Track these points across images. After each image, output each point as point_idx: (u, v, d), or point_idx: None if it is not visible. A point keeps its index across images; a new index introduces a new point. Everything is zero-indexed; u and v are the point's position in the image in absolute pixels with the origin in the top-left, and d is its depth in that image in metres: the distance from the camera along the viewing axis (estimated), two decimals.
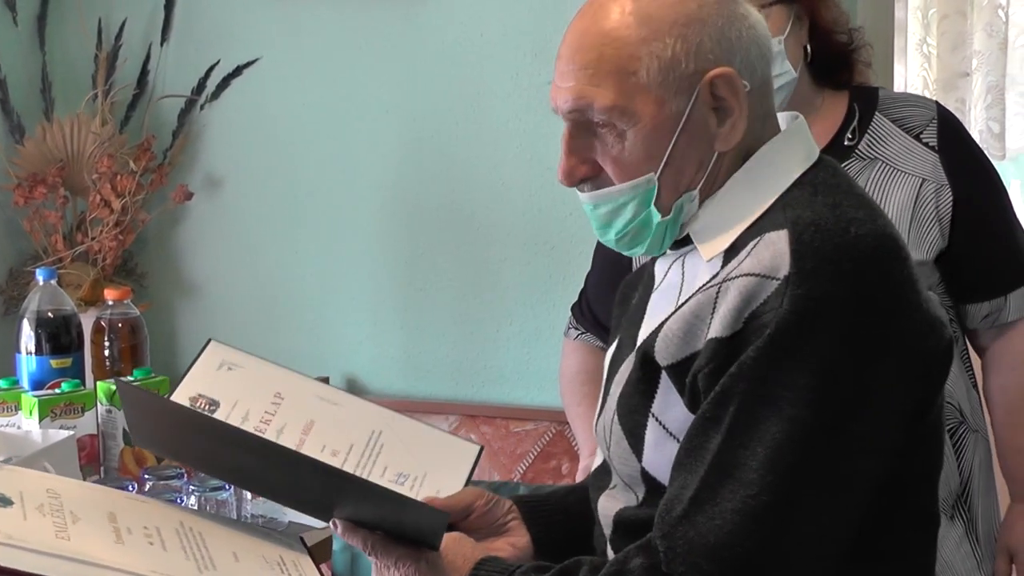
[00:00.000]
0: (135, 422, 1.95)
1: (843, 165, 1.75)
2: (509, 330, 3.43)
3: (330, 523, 1.69)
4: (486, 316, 3.44)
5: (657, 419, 1.60)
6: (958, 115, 2.68)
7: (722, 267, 1.59)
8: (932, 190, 2.29)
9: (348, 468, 1.88)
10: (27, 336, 2.62)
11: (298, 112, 3.55)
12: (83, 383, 2.59)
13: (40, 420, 2.43)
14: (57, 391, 2.50)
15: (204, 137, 3.64)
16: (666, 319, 1.60)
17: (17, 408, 2.50)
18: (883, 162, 2.31)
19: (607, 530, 1.72)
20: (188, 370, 2.06)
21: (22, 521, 1.60)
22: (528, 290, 3.39)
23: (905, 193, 2.29)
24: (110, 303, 2.67)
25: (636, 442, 1.62)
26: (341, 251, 3.56)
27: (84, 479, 2.31)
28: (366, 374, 3.56)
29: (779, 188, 1.61)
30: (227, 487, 2.22)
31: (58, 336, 2.63)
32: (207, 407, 1.96)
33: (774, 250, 1.52)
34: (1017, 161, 4.82)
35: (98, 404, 2.50)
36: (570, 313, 2.62)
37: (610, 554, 1.69)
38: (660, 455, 1.60)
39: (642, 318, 1.71)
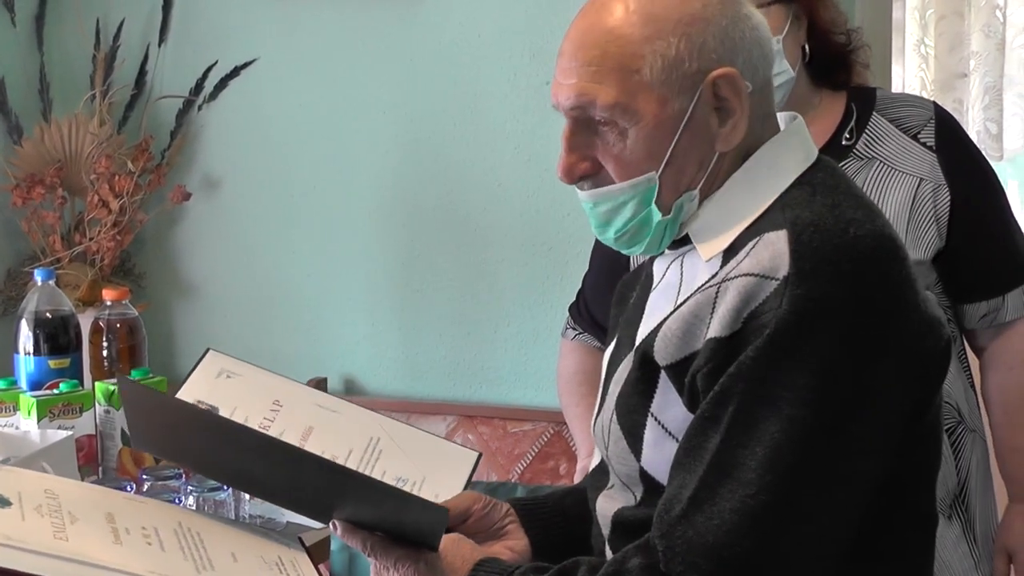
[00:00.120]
0: (135, 420, 1.95)
1: (841, 165, 1.75)
2: (507, 331, 3.43)
3: (329, 524, 1.69)
4: (484, 317, 3.44)
5: (656, 419, 1.60)
6: (956, 116, 2.67)
7: (721, 267, 1.59)
8: (930, 190, 2.30)
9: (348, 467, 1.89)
10: (25, 336, 2.61)
11: (295, 113, 3.56)
12: (81, 383, 2.58)
13: (38, 420, 2.42)
14: (55, 391, 2.50)
15: (202, 138, 3.65)
16: (665, 319, 1.60)
17: (15, 408, 2.50)
18: (881, 162, 2.31)
19: (605, 530, 1.72)
20: (186, 378, 2.06)
21: (20, 522, 1.60)
22: (526, 291, 3.40)
23: (903, 193, 2.29)
24: (108, 303, 2.67)
25: (635, 442, 1.63)
26: (338, 251, 3.56)
27: (82, 479, 2.31)
28: (364, 375, 3.57)
29: (778, 188, 1.62)
30: (225, 487, 2.22)
31: (56, 336, 2.62)
32: None
33: (773, 250, 1.52)
34: (1015, 162, 4.82)
35: (96, 404, 2.50)
36: (567, 314, 2.62)
37: (608, 554, 1.69)
38: (659, 455, 1.60)
39: (640, 318, 1.71)
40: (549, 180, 3.32)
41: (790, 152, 1.66)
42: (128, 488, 2.25)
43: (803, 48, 2.31)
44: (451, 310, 3.47)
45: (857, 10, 3.28)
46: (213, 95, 3.59)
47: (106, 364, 2.64)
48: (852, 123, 2.34)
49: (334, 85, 3.51)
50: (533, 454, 3.29)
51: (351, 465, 1.96)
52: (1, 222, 3.59)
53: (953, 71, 4.62)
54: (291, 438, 1.97)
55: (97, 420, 2.50)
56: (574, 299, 2.61)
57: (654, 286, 1.73)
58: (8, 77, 3.55)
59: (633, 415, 1.63)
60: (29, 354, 2.61)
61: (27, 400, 2.46)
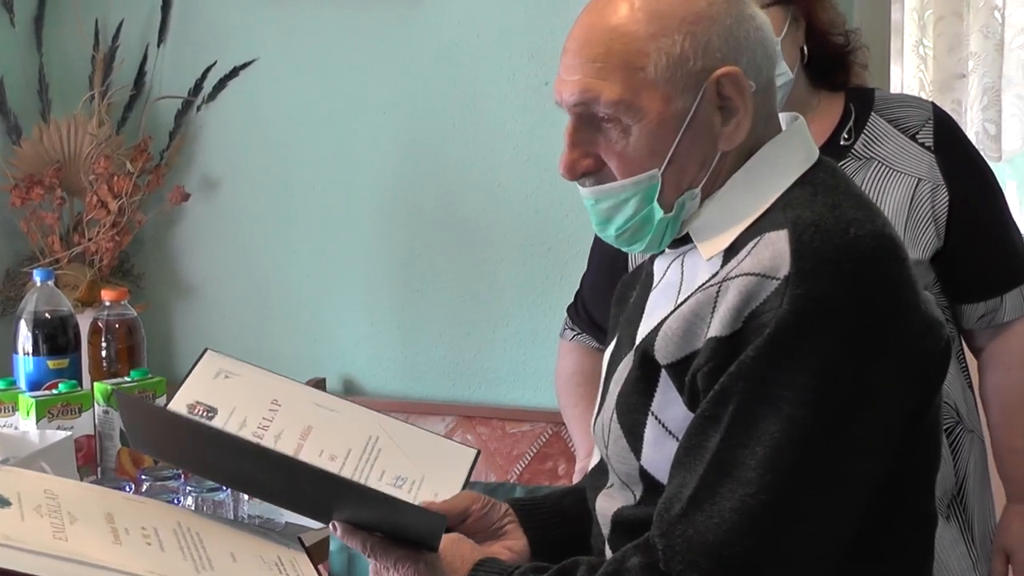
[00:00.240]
0: (133, 430, 1.96)
1: (839, 165, 1.75)
2: (506, 331, 3.43)
3: (329, 525, 1.69)
4: (483, 317, 3.44)
5: (656, 418, 1.60)
6: (955, 117, 2.68)
7: (722, 266, 1.59)
8: (928, 190, 2.30)
9: (346, 472, 1.89)
10: (24, 337, 2.61)
11: (294, 113, 3.56)
12: (80, 384, 2.58)
13: (37, 421, 2.43)
14: (54, 392, 2.50)
15: (200, 138, 3.65)
16: (665, 317, 1.61)
17: (14, 409, 2.50)
18: (879, 162, 2.31)
19: (605, 529, 1.72)
20: (185, 379, 2.06)
21: (20, 522, 1.60)
22: (525, 291, 3.40)
23: (901, 193, 2.29)
24: (107, 304, 2.67)
25: (635, 440, 1.63)
26: (337, 252, 3.56)
27: (81, 480, 2.31)
28: (362, 375, 3.57)
29: (779, 188, 1.62)
30: (224, 488, 2.22)
31: (55, 337, 2.62)
32: (204, 414, 1.97)
33: (774, 250, 1.52)
34: (1013, 162, 4.82)
35: (95, 405, 2.50)
36: (566, 314, 2.62)
37: (608, 553, 1.69)
38: (659, 454, 1.60)
39: (640, 317, 1.72)
40: (548, 180, 3.32)
41: (792, 152, 1.66)
42: (127, 488, 2.25)
43: (801, 49, 2.31)
44: (450, 310, 3.47)
45: (855, 11, 3.28)
46: (212, 96, 3.59)
47: (105, 364, 2.64)
48: (850, 123, 2.34)
49: (333, 85, 3.51)
50: (532, 455, 3.29)
51: (351, 465, 1.95)
52: (0, 223, 3.59)
53: (952, 72, 4.62)
54: (290, 438, 1.96)
55: (96, 420, 2.50)
56: (572, 300, 2.61)
57: (654, 285, 1.73)
58: (7, 77, 3.55)
59: (633, 414, 1.63)
60: (28, 354, 2.61)
61: (26, 400, 2.46)
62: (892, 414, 1.54)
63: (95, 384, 2.54)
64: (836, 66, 2.36)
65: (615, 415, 1.66)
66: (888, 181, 2.30)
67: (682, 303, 1.60)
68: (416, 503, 1.79)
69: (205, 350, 2.12)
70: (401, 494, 1.86)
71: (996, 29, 4.57)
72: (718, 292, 1.55)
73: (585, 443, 2.49)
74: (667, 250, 1.71)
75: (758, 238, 1.56)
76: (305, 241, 3.59)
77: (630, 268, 2.37)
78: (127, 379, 2.55)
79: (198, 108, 3.61)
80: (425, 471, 1.97)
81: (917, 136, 2.33)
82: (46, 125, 3.57)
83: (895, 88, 4.29)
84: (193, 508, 2.14)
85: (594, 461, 1.82)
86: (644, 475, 1.63)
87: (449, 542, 1.68)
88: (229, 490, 2.22)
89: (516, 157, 3.36)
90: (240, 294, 3.66)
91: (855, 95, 2.38)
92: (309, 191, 3.57)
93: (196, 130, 3.64)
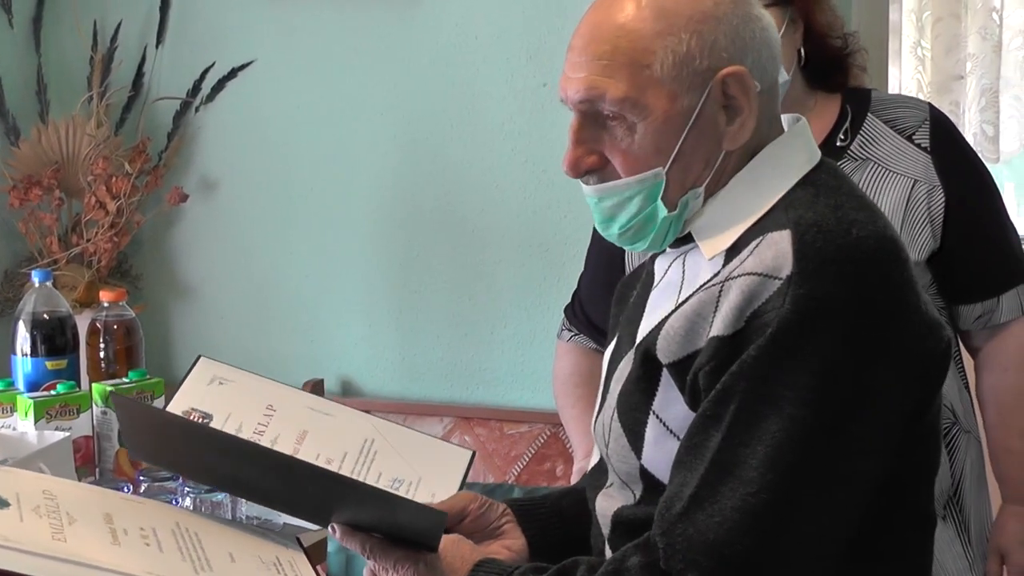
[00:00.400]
0: (131, 434, 1.95)
1: None
2: (503, 332, 3.43)
3: (328, 528, 1.69)
4: (480, 318, 3.45)
5: (658, 416, 1.60)
6: (952, 118, 2.68)
7: (723, 265, 1.59)
8: (924, 191, 2.30)
9: (343, 474, 1.89)
10: (22, 338, 2.61)
11: (293, 114, 3.56)
12: (78, 385, 2.58)
13: (35, 422, 2.43)
14: (52, 393, 2.50)
15: (199, 139, 3.65)
16: (667, 316, 1.61)
17: (12, 410, 2.50)
18: (875, 163, 2.32)
19: (605, 529, 1.72)
20: (179, 385, 2.06)
21: (18, 523, 1.60)
22: (522, 292, 3.40)
23: (897, 194, 2.29)
24: (105, 305, 2.67)
25: (635, 439, 1.63)
26: (336, 253, 3.56)
27: (79, 480, 2.31)
28: (360, 376, 3.57)
29: (782, 188, 1.62)
30: None
31: (53, 338, 2.62)
32: (200, 420, 1.97)
33: (776, 250, 1.53)
34: (1011, 164, 4.83)
35: (93, 406, 2.50)
36: (563, 315, 2.62)
37: (608, 553, 1.70)
38: (660, 453, 1.61)
39: (641, 316, 1.72)
40: (546, 181, 3.32)
41: (794, 153, 1.66)
42: (125, 489, 2.25)
43: (799, 51, 2.31)
44: (448, 311, 3.47)
45: (854, 12, 3.28)
46: (210, 97, 3.59)
47: (103, 365, 2.64)
48: (847, 124, 2.34)
49: (331, 86, 3.51)
50: (530, 456, 3.29)
51: (347, 468, 1.96)
52: None
53: (950, 73, 4.63)
54: (286, 443, 1.97)
55: (94, 421, 2.50)
56: (569, 300, 2.61)
57: (655, 284, 1.73)
58: (5, 78, 3.55)
59: (634, 413, 1.63)
60: (26, 355, 2.61)
61: (24, 401, 2.46)
62: (892, 414, 1.54)
63: (93, 385, 2.54)
64: (834, 69, 2.36)
65: (616, 414, 1.66)
66: (884, 182, 2.30)
67: (683, 302, 1.60)
68: (416, 501, 1.79)
69: (199, 357, 2.12)
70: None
71: (994, 31, 4.58)
72: (720, 291, 1.55)
73: (583, 444, 2.49)
74: (668, 249, 1.72)
75: (760, 238, 1.56)
76: (303, 242, 3.59)
77: (627, 269, 2.37)
78: (125, 380, 2.55)
79: (196, 109, 3.61)
80: (422, 473, 1.97)
81: (913, 137, 2.33)
82: (44, 126, 3.57)
83: (893, 89, 4.30)
84: (191, 509, 2.14)
85: (593, 461, 1.82)
86: (644, 474, 1.64)
87: (449, 543, 1.68)
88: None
89: (514, 158, 3.36)
90: (238, 295, 3.66)
91: (852, 96, 2.38)
92: (307, 192, 3.57)
93: (194, 131, 3.65)
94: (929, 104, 2.41)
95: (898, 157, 2.32)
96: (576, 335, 2.57)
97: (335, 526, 1.68)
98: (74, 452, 2.39)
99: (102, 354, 2.64)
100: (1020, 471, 2.41)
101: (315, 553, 2.19)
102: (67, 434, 2.36)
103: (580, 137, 1.64)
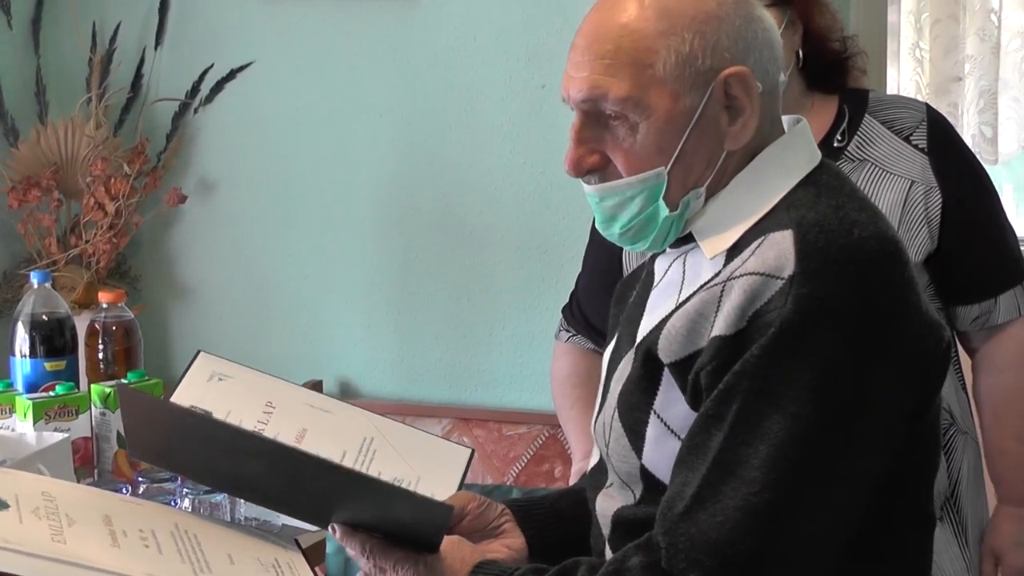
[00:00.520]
0: (132, 428, 1.94)
1: None
2: (502, 334, 3.43)
3: (328, 528, 1.69)
4: (479, 320, 3.45)
5: (659, 416, 1.61)
6: (951, 119, 2.69)
7: (724, 265, 1.60)
8: (921, 192, 2.30)
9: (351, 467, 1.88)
10: (21, 339, 2.61)
11: (292, 116, 3.56)
12: (77, 386, 2.58)
13: (34, 423, 2.42)
14: (51, 394, 2.50)
15: (198, 140, 3.65)
16: (668, 316, 1.61)
17: (11, 411, 2.50)
18: (872, 164, 2.32)
19: (605, 530, 1.73)
20: (179, 382, 2.06)
21: (18, 524, 1.60)
22: (521, 294, 3.40)
23: (894, 195, 2.29)
24: (104, 306, 2.67)
25: (636, 439, 1.63)
26: (334, 254, 3.56)
27: (78, 481, 2.31)
28: (359, 377, 3.57)
29: (783, 189, 1.63)
30: None
31: (52, 339, 2.62)
32: None
33: (778, 250, 1.53)
34: (1010, 165, 4.83)
35: (92, 407, 2.50)
36: (561, 315, 2.62)
37: (608, 554, 1.70)
38: (661, 452, 1.61)
39: (641, 315, 1.72)
40: (545, 183, 3.32)
41: (795, 153, 1.67)
42: (124, 490, 2.25)
43: (796, 53, 2.31)
44: (447, 313, 3.47)
45: (852, 14, 3.29)
46: (209, 98, 3.59)
47: (102, 366, 2.64)
48: (844, 125, 2.35)
49: (330, 88, 3.51)
50: (528, 457, 3.30)
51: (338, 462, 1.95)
52: None
53: (948, 75, 4.63)
54: (286, 440, 1.96)
55: (93, 422, 2.50)
56: (567, 301, 2.61)
57: (655, 284, 1.74)
58: (4, 79, 3.55)
59: (635, 412, 1.63)
60: (25, 356, 2.61)
61: (23, 402, 2.46)
62: (893, 414, 1.55)
63: (92, 386, 2.54)
64: (833, 71, 2.36)
65: (616, 414, 1.66)
66: (881, 183, 2.30)
67: (684, 301, 1.60)
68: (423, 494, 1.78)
69: (198, 352, 2.12)
70: None
71: (992, 32, 4.59)
72: (722, 291, 1.55)
73: (581, 445, 2.49)
74: (668, 249, 1.72)
75: (762, 238, 1.57)
76: (302, 243, 3.59)
77: (625, 269, 2.37)
78: (124, 381, 2.55)
79: (195, 110, 3.61)
80: (421, 472, 1.97)
81: (911, 138, 2.33)
82: (43, 127, 3.57)
83: (891, 91, 4.30)
84: (190, 510, 2.14)
85: (593, 462, 1.82)
86: (645, 474, 1.64)
87: (449, 544, 1.68)
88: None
89: (513, 160, 3.36)
90: (237, 296, 3.66)
91: (849, 97, 2.38)
92: (306, 193, 3.57)
93: (193, 132, 3.65)
94: (926, 105, 2.41)
95: (895, 158, 2.32)
96: (574, 336, 2.57)
97: (335, 526, 1.68)
98: (73, 453, 2.39)
99: (101, 355, 2.64)
100: (1015, 472, 2.41)
101: (313, 554, 2.19)
102: (66, 435, 2.36)
103: (582, 136, 1.64)
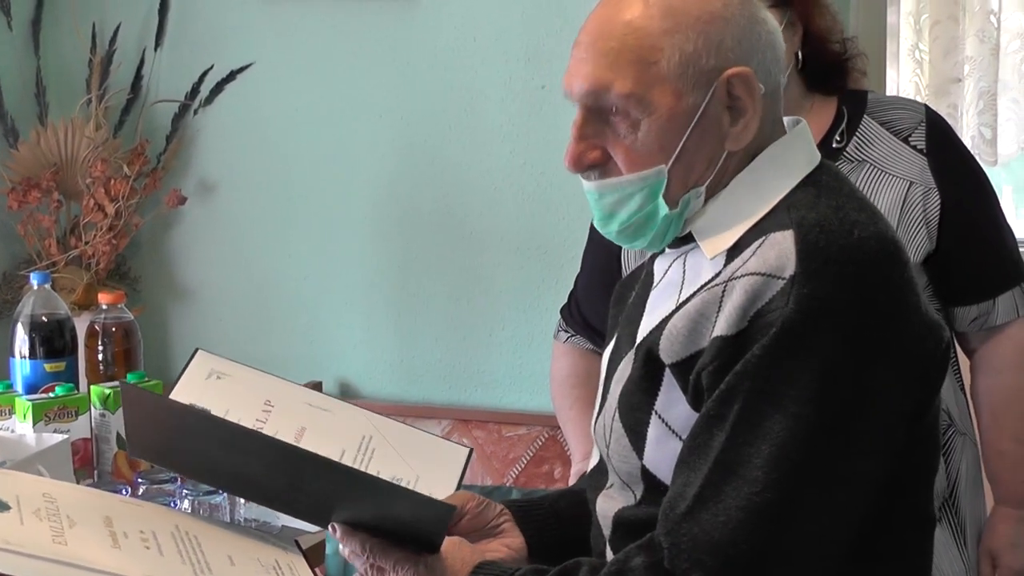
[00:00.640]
0: (133, 426, 1.94)
1: None
2: (502, 335, 3.43)
3: (328, 527, 1.69)
4: (479, 321, 3.45)
5: (660, 416, 1.61)
6: (950, 121, 2.69)
7: (725, 265, 1.60)
8: (920, 193, 2.30)
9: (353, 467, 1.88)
10: (21, 340, 2.61)
11: (292, 117, 3.56)
12: (77, 387, 2.58)
13: (34, 424, 2.43)
14: (51, 395, 2.50)
15: (198, 142, 3.65)
16: (668, 316, 1.62)
17: (11, 412, 2.50)
18: (871, 165, 2.32)
19: (606, 531, 1.73)
20: (177, 380, 2.05)
21: (19, 526, 1.60)
22: (521, 295, 3.40)
23: (893, 196, 2.30)
24: (104, 307, 2.67)
25: (637, 439, 1.63)
26: (334, 255, 3.57)
27: (78, 483, 2.31)
28: (359, 378, 3.57)
29: (783, 189, 1.63)
30: (220, 491, 2.22)
31: (52, 340, 2.62)
32: None
33: (779, 250, 1.53)
34: (1009, 166, 4.84)
35: (92, 408, 2.50)
36: (559, 315, 2.62)
37: (609, 554, 1.70)
38: (662, 452, 1.61)
39: (641, 316, 1.72)
40: (545, 183, 3.32)
41: (795, 154, 1.67)
42: (123, 492, 2.25)
43: (796, 54, 2.31)
44: (446, 314, 3.48)
45: (852, 15, 3.29)
46: (209, 99, 3.60)
47: (102, 368, 2.64)
48: (843, 126, 2.35)
49: (330, 89, 3.51)
50: (528, 458, 3.30)
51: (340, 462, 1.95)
52: None
53: (947, 76, 4.63)
54: (285, 439, 1.96)
55: (92, 424, 2.50)
56: (566, 301, 2.61)
57: (655, 284, 1.74)
58: (4, 80, 3.55)
59: (636, 413, 1.63)
60: (25, 357, 2.61)
61: (23, 403, 2.46)
62: (892, 415, 1.55)
63: (92, 387, 2.54)
64: (833, 73, 2.37)
65: (617, 414, 1.67)
66: (880, 184, 2.30)
67: (685, 302, 1.61)
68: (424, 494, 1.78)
69: (196, 350, 2.11)
70: None
71: (992, 33, 4.59)
72: (723, 291, 1.55)
73: (581, 446, 2.49)
74: (668, 250, 1.72)
75: (763, 238, 1.57)
76: (302, 244, 3.59)
77: (624, 270, 2.38)
78: (124, 382, 2.55)
79: (195, 111, 3.61)
80: (419, 471, 1.97)
81: (909, 139, 2.33)
82: (43, 128, 3.57)
83: (891, 92, 4.30)
84: (189, 511, 2.14)
85: (592, 463, 1.82)
86: (645, 474, 1.64)
87: (450, 545, 1.69)
88: (225, 493, 2.22)
89: (513, 161, 3.36)
90: (237, 297, 3.66)
91: (848, 98, 2.38)
92: (306, 194, 3.57)
93: (193, 133, 3.65)
94: (925, 106, 2.41)
95: (894, 159, 2.32)
96: (573, 336, 2.57)
97: (335, 525, 1.68)
98: (72, 454, 2.39)
99: (100, 356, 2.64)
100: (1012, 473, 2.41)
101: (313, 555, 2.19)
102: (65, 436, 2.36)
103: (583, 132, 1.64)
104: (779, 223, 1.58)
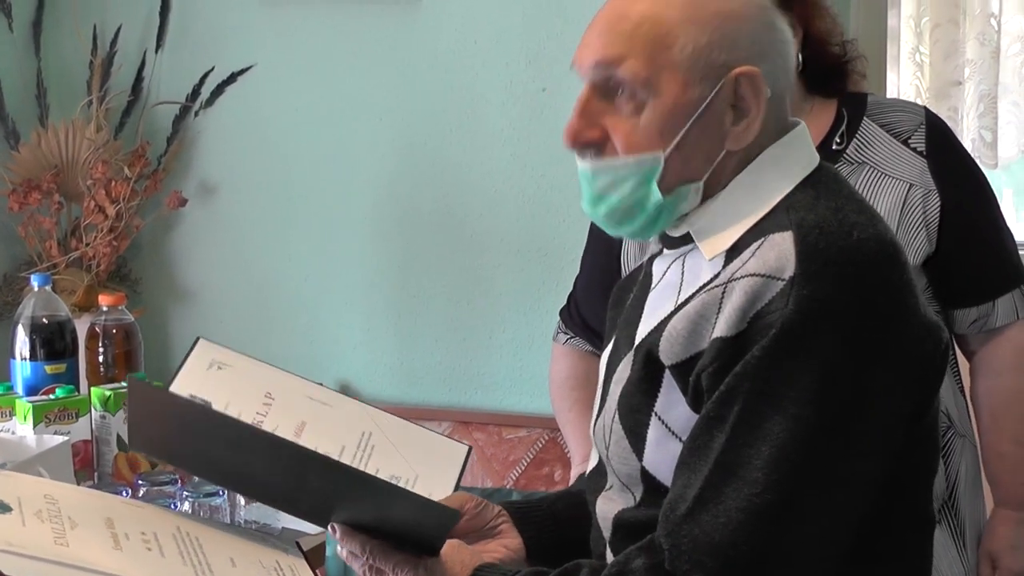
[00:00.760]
0: (137, 422, 1.93)
1: None
2: (502, 337, 3.43)
3: (328, 527, 1.69)
4: (479, 323, 3.45)
5: (660, 418, 1.61)
6: (950, 124, 2.69)
7: (724, 266, 1.60)
8: (920, 195, 2.30)
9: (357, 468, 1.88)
10: (22, 341, 2.62)
11: (292, 118, 3.56)
12: (77, 389, 2.59)
13: (34, 425, 2.43)
14: (51, 397, 2.50)
15: (198, 143, 3.65)
16: (667, 317, 1.62)
17: (12, 413, 2.50)
18: (871, 167, 2.32)
19: (606, 533, 1.73)
20: (178, 370, 2.05)
21: (21, 527, 1.60)
22: (521, 297, 3.40)
23: (892, 198, 2.30)
24: (104, 309, 2.67)
25: (637, 441, 1.63)
26: (334, 257, 3.57)
27: (78, 484, 2.31)
28: (359, 380, 3.57)
29: (782, 191, 1.63)
30: (221, 493, 2.22)
31: (52, 342, 2.63)
32: None
33: (779, 251, 1.53)
34: (1009, 169, 4.84)
35: (92, 410, 2.50)
36: (559, 317, 2.62)
37: (609, 556, 1.70)
38: (661, 454, 1.61)
39: (640, 317, 1.72)
40: (545, 186, 3.32)
41: (794, 155, 1.67)
42: (124, 493, 2.25)
43: (796, 57, 2.31)
44: (447, 316, 3.48)
45: (852, 18, 3.29)
46: (210, 101, 3.60)
47: (102, 369, 2.65)
48: (843, 128, 2.35)
49: (331, 90, 3.51)
50: (528, 460, 3.30)
51: (345, 462, 1.95)
52: None
53: (948, 79, 4.63)
54: (284, 434, 1.95)
55: (93, 425, 2.51)
56: (565, 303, 2.61)
57: (653, 285, 1.74)
58: (5, 82, 3.55)
59: (636, 414, 1.63)
60: (25, 359, 2.61)
61: (23, 405, 2.46)
62: (891, 416, 1.55)
63: (92, 389, 2.54)
64: (833, 75, 2.37)
65: (617, 416, 1.67)
66: (880, 186, 2.31)
67: (684, 303, 1.61)
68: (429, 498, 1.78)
69: (197, 339, 2.11)
70: None
71: (992, 36, 4.59)
72: (723, 293, 1.56)
73: (581, 449, 2.49)
74: (667, 251, 1.72)
75: (762, 239, 1.57)
76: (302, 246, 3.59)
77: (623, 271, 2.38)
78: (124, 384, 2.55)
79: (196, 113, 3.61)
80: (419, 470, 1.96)
81: (909, 141, 2.34)
82: (44, 130, 3.57)
83: (891, 95, 4.30)
84: (190, 513, 2.14)
85: (591, 464, 1.82)
86: (645, 476, 1.64)
87: (450, 548, 1.69)
88: (225, 495, 2.22)
89: (513, 163, 3.36)
90: (237, 299, 3.66)
91: (848, 100, 2.38)
92: (307, 196, 3.57)
93: (194, 135, 3.65)
94: (925, 108, 2.42)
95: (894, 161, 2.32)
96: (572, 338, 2.57)
97: (335, 526, 1.68)
98: (73, 456, 2.39)
99: (101, 358, 2.65)
100: (1011, 475, 2.41)
101: (314, 557, 2.19)
102: (66, 438, 2.37)
103: (586, 109, 1.64)
104: (778, 224, 1.58)
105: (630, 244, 2.40)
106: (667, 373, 1.60)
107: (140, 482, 2.29)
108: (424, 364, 3.51)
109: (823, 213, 1.57)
